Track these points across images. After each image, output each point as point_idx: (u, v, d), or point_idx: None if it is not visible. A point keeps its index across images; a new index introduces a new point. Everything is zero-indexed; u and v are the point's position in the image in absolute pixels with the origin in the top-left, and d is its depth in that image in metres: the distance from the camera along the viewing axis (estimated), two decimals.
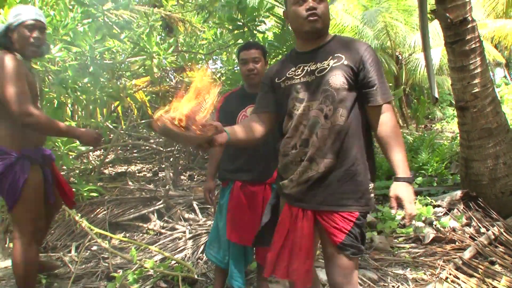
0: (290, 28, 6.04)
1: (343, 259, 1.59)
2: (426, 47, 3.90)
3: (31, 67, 2.43)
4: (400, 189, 1.52)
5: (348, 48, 1.62)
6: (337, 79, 1.56)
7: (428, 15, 3.88)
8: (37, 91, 2.31)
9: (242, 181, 2.43)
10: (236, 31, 5.03)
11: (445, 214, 3.71)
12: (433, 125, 12.62)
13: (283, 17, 6.33)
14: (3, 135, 2.21)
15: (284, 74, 1.71)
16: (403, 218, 1.54)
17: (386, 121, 1.58)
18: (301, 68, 1.66)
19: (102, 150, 6.27)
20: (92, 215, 4.18)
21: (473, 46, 3.51)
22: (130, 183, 5.46)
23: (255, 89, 2.40)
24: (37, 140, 2.35)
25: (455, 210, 3.70)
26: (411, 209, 1.51)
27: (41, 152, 2.36)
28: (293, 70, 1.68)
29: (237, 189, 2.43)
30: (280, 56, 5.65)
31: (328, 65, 1.60)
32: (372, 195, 1.66)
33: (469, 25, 3.49)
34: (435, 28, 8.65)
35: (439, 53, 9.79)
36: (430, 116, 14.19)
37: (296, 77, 1.66)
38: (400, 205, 1.53)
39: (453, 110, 12.06)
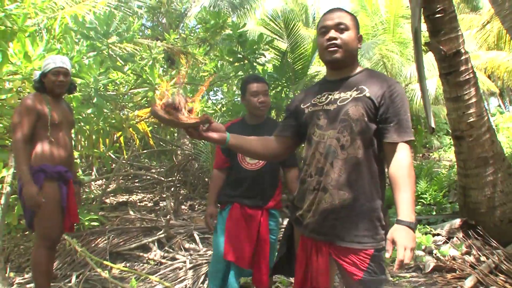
0: (289, 60, 6.18)
1: None
2: (421, 78, 3.96)
3: (62, 103, 2.92)
4: (398, 233, 1.42)
5: (373, 82, 1.60)
6: (357, 110, 1.54)
7: (423, 47, 3.95)
8: (57, 121, 2.74)
9: (240, 204, 2.50)
10: (236, 64, 5.16)
11: (445, 242, 3.68)
12: (431, 154, 12.63)
13: (282, 50, 6.47)
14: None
15: (310, 100, 1.71)
16: (393, 262, 1.45)
17: (400, 160, 1.52)
18: (326, 96, 1.66)
19: (104, 180, 6.25)
20: (93, 245, 4.13)
21: (467, 77, 3.58)
22: (131, 212, 5.42)
23: (257, 120, 2.53)
24: (56, 159, 2.72)
25: (455, 239, 3.67)
26: (404, 256, 1.39)
27: (57, 169, 2.70)
28: (318, 97, 1.68)
29: (237, 209, 2.50)
30: (279, 88, 5.76)
31: (351, 95, 1.58)
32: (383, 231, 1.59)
33: (463, 57, 3.57)
34: (430, 59, 8.80)
35: (434, 83, 9.93)
36: (427, 145, 14.21)
37: (319, 104, 1.66)
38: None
39: (450, 139, 12.10)
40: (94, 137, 4.52)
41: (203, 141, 2.58)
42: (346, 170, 1.54)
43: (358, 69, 1.68)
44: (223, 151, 2.56)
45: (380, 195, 1.59)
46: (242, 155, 2.49)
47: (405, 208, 1.46)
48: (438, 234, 3.83)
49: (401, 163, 1.52)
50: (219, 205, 2.66)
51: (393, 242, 1.43)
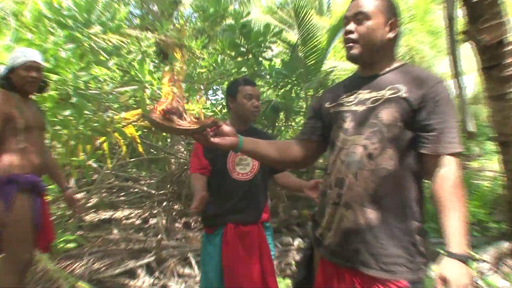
0: (300, 54, 6.15)
1: None
2: (457, 74, 3.89)
3: (31, 103, 2.89)
4: (449, 269, 1.35)
5: (412, 80, 1.54)
6: (389, 113, 1.50)
7: (459, 37, 3.87)
8: (28, 124, 2.72)
9: (234, 223, 2.51)
10: (239, 58, 5.16)
11: (491, 270, 3.56)
12: (470, 163, 12.44)
13: (292, 43, 6.45)
14: None
15: (337, 99, 1.69)
16: None
17: (446, 177, 1.45)
18: (355, 94, 1.63)
19: (83, 193, 6.20)
20: (68, 271, 4.04)
21: None
22: (115, 231, 5.37)
23: (244, 126, 2.61)
24: (28, 167, 2.68)
25: (504, 266, 3.55)
26: None
27: (30, 179, 2.67)
28: (347, 95, 1.66)
29: (231, 231, 2.50)
30: (288, 86, 5.73)
31: (383, 95, 1.54)
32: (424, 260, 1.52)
33: (507, 48, 3.48)
34: (468, 51, 8.71)
35: (473, 79, 9.81)
36: (465, 152, 14.08)
37: (347, 104, 1.63)
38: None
39: (494, 145, 11.93)
40: (72, 143, 4.48)
41: None
42: (373, 184, 1.49)
43: (395, 64, 1.63)
44: (207, 155, 2.55)
45: (416, 216, 1.52)
46: (233, 164, 2.53)
47: (456, 238, 1.39)
48: (482, 260, 3.71)
49: (448, 181, 1.45)
50: (206, 228, 2.67)
51: (444, 280, 1.36)
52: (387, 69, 1.62)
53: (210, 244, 2.57)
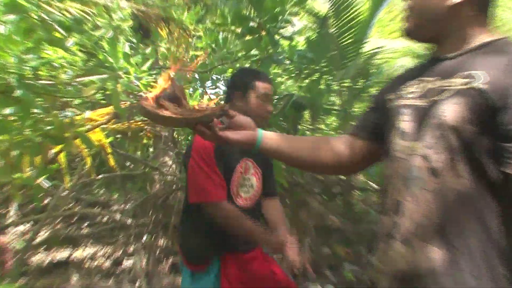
0: (331, 31, 6.04)
1: None
2: None
3: None
4: None
5: (498, 65, 1.41)
6: (456, 111, 1.39)
7: None
8: None
9: (233, 253, 2.66)
10: (248, 37, 5.12)
11: None
12: None
13: (320, 15, 6.30)
14: None
15: (398, 88, 1.68)
16: None
17: None
18: (418, 83, 1.59)
19: (30, 224, 6.11)
20: None
21: None
22: (74, 278, 5.35)
23: None
24: None
25: None
26: None
27: None
28: (410, 84, 1.63)
29: (231, 263, 2.64)
30: (317, 74, 5.66)
31: (452, 85, 1.46)
32: None
33: None
34: None
35: None
36: None
37: (407, 96, 1.60)
38: None
39: None
40: (15, 153, 4.36)
41: None
42: (438, 210, 1.42)
43: (481, 41, 1.54)
44: (223, 166, 2.56)
45: (504, 259, 1.39)
46: (237, 186, 2.62)
47: None
48: None
49: None
50: (192, 265, 2.72)
51: None
52: (466, 49, 1.55)
53: (197, 284, 2.64)
